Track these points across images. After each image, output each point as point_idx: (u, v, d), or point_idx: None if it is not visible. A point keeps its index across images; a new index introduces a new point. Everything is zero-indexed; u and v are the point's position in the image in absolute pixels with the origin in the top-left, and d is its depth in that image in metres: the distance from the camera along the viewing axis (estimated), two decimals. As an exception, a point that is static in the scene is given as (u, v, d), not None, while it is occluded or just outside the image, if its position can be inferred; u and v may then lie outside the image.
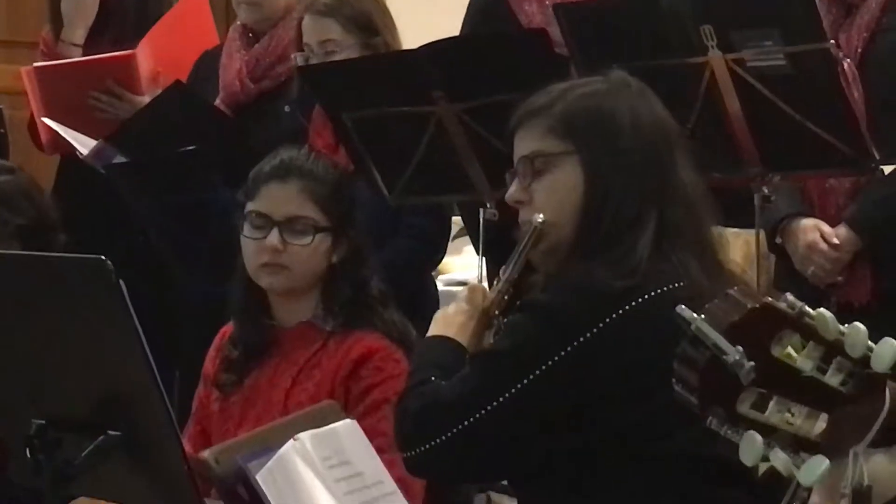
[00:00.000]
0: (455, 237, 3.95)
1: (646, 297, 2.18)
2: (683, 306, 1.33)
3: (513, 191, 2.35)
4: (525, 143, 2.34)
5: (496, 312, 2.38)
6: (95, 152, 3.52)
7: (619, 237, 2.25)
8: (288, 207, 2.80)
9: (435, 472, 2.37)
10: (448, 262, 4.05)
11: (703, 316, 1.31)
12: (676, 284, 2.20)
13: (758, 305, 1.31)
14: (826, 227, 3.10)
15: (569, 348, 2.20)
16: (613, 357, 2.18)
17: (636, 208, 2.26)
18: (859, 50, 3.04)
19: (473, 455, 2.26)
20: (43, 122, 3.71)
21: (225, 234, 2.97)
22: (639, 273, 2.21)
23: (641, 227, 2.25)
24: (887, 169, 2.93)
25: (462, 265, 4.76)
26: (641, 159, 2.28)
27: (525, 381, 2.21)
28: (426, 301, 3.57)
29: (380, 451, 2.55)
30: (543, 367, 2.21)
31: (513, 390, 2.22)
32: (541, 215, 2.28)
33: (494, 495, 4.85)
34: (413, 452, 2.23)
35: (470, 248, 4.63)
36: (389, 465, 2.57)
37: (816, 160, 2.94)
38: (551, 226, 2.30)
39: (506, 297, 2.37)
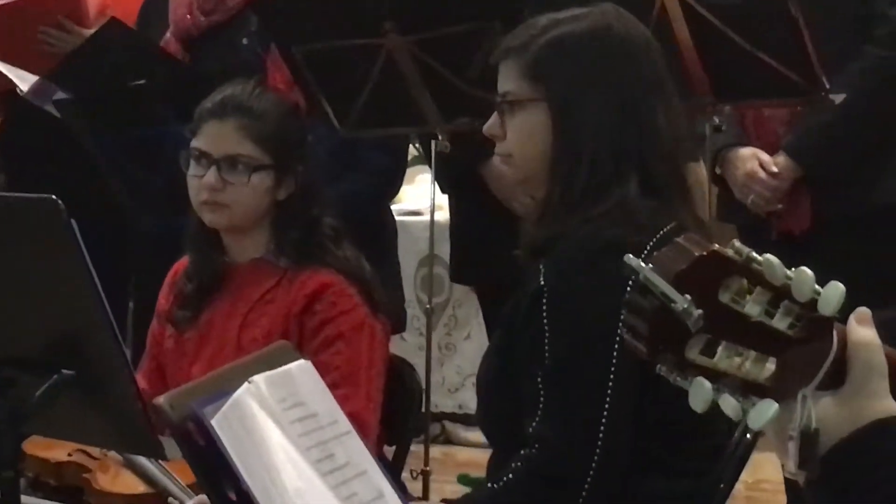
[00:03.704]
0: (409, 165, 3.94)
1: (652, 242, 2.16)
2: (630, 255, 1.33)
3: (489, 124, 2.34)
4: (502, 81, 2.32)
5: None
6: (35, 89, 3.49)
7: (603, 186, 2.23)
8: (226, 145, 2.77)
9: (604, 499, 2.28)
10: (402, 191, 4.04)
11: (650, 265, 1.30)
12: (669, 226, 2.20)
13: (705, 253, 1.30)
14: (765, 156, 3.12)
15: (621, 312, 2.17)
16: None
17: (613, 161, 2.24)
18: None
19: (618, 464, 2.21)
20: None
21: (177, 168, 2.93)
22: (641, 221, 2.20)
23: (624, 177, 2.23)
24: (838, 99, 2.92)
25: (416, 194, 4.76)
26: (616, 112, 2.26)
27: (613, 368, 2.19)
28: (384, 232, 3.60)
29: (334, 386, 2.55)
30: (615, 343, 2.17)
31: (610, 387, 2.19)
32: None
33: (449, 424, 4.90)
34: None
35: (424, 178, 4.64)
36: (343, 399, 2.57)
37: (767, 89, 2.94)
38: (518, 161, 2.31)
39: None
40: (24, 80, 3.52)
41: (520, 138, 2.31)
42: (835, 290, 1.30)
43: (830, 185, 3.10)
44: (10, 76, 3.55)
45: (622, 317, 1.34)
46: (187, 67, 3.49)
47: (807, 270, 1.30)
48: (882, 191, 3.12)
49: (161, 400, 1.54)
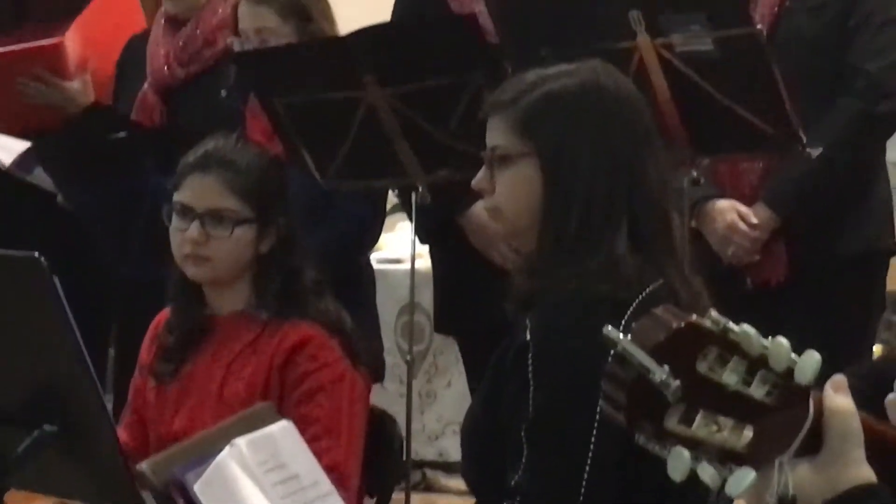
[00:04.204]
0: (389, 214, 3.96)
1: (638, 300, 2.16)
2: (610, 326, 1.34)
3: (478, 178, 2.34)
4: (491, 135, 2.33)
5: None
6: (18, 162, 3.52)
7: (593, 241, 2.24)
8: (208, 199, 2.78)
9: None
10: (382, 239, 4.05)
11: (629, 336, 1.31)
12: (656, 284, 2.20)
13: (683, 325, 1.31)
14: (743, 208, 3.14)
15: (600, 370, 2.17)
16: None
17: (603, 214, 2.25)
18: (765, 32, 3.03)
19: None
20: None
21: (156, 219, 2.94)
22: (629, 278, 2.20)
23: (613, 231, 2.24)
24: (815, 152, 2.95)
25: (395, 243, 4.78)
26: (607, 166, 2.27)
27: (596, 424, 2.18)
28: (362, 281, 3.61)
29: (315, 438, 2.57)
30: (594, 402, 2.18)
31: (592, 444, 2.19)
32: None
33: (430, 472, 4.90)
34: None
35: (403, 225, 4.66)
36: (325, 451, 2.59)
37: (745, 142, 2.96)
38: (507, 215, 2.31)
39: None
40: (4, 151, 3.54)
41: (509, 192, 2.31)
42: (811, 359, 1.31)
43: (806, 234, 3.13)
44: None
45: (601, 387, 1.35)
46: (165, 128, 3.50)
47: (783, 341, 1.31)
48: (854, 239, 3.16)
49: (143, 466, 1.55)
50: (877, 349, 4.18)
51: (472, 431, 2.39)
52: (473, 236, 3.22)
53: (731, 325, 1.31)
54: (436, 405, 4.81)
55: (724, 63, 2.84)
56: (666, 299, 1.43)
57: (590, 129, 2.28)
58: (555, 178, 2.27)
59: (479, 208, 3.01)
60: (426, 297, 3.77)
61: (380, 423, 2.95)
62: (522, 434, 2.22)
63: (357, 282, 3.50)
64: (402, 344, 4.47)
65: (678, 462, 1.31)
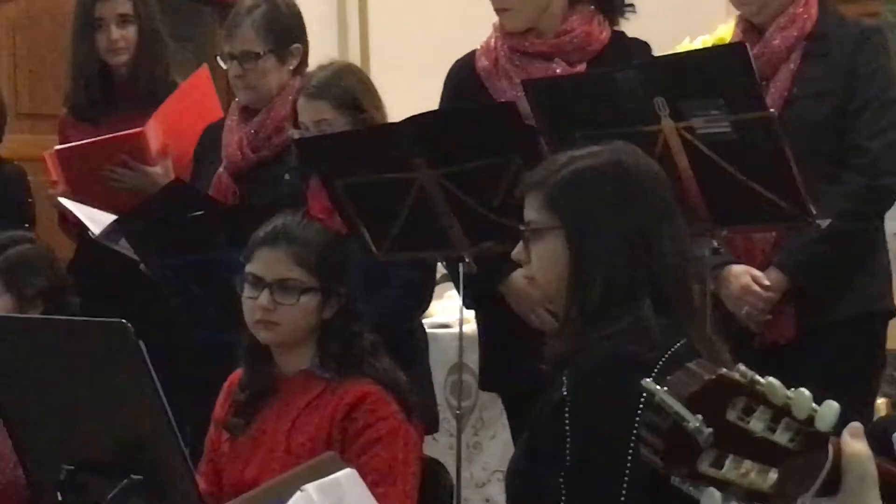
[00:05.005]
0: (438, 283, 3.97)
1: (664, 358, 2.17)
2: (648, 379, 1.35)
3: (516, 250, 2.38)
4: (526, 210, 2.35)
5: None
6: (105, 234, 3.54)
7: (617, 308, 2.24)
8: (277, 270, 2.82)
9: None
10: (433, 306, 4.06)
11: (665, 388, 1.32)
12: (680, 343, 2.21)
13: (714, 377, 1.33)
14: (756, 272, 3.11)
15: (636, 421, 2.12)
16: None
17: (625, 283, 2.25)
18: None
19: None
20: (59, 202, 3.73)
21: (228, 289, 2.98)
22: (654, 338, 2.21)
23: (636, 298, 2.24)
24: (823, 223, 2.93)
25: (444, 309, 4.77)
26: (627, 239, 2.27)
27: (627, 472, 2.19)
28: (416, 343, 3.59)
29: (374, 485, 2.58)
30: (630, 448, 2.17)
31: (624, 488, 2.19)
32: None
33: None
34: None
35: (452, 293, 4.64)
36: (383, 497, 2.59)
37: (760, 216, 2.93)
38: (541, 283, 2.35)
39: None
40: (94, 223, 3.57)
41: (541, 263, 2.32)
42: (830, 409, 1.32)
43: (813, 298, 3.10)
44: (82, 218, 3.60)
45: (639, 433, 1.35)
46: (236, 207, 3.52)
47: (806, 392, 1.32)
48: (857, 301, 3.13)
49: None
50: (880, 402, 4.15)
51: (516, 478, 2.38)
52: (514, 302, 3.22)
53: (758, 377, 1.32)
54: (482, 455, 4.78)
55: (740, 143, 2.82)
56: (688, 357, 1.44)
57: (611, 205, 2.28)
58: (579, 251, 2.28)
59: (517, 277, 3.01)
60: (473, 358, 3.75)
61: (433, 472, 2.96)
62: (561, 481, 2.21)
63: (411, 344, 3.48)
64: (452, 400, 4.45)
65: (710, 502, 1.31)
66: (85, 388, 2.32)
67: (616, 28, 3.38)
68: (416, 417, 2.87)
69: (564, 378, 2.25)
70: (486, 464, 4.83)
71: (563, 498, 2.22)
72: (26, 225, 3.69)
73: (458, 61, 3.45)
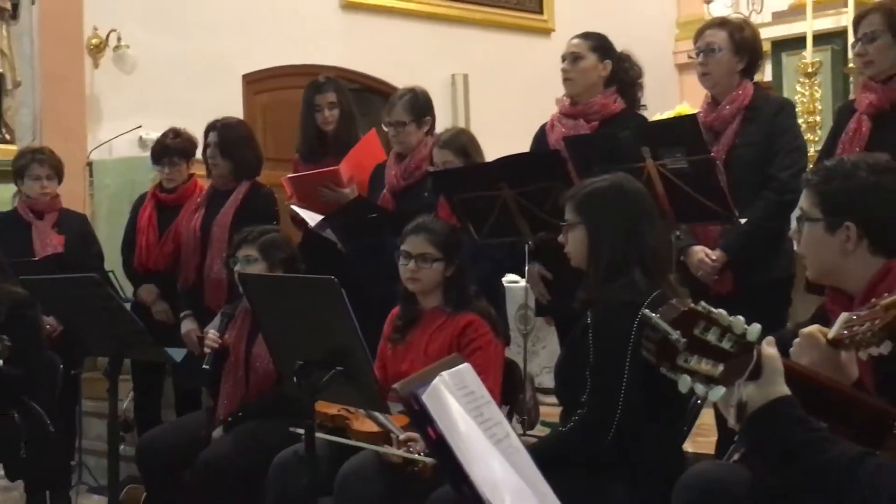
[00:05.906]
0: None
1: (648, 300, 2.15)
2: (646, 309, 1.37)
3: (560, 237, 2.38)
4: (566, 213, 2.36)
5: None
6: (318, 226, 3.58)
7: (620, 270, 2.23)
8: (419, 248, 2.84)
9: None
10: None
11: (657, 314, 1.31)
12: (657, 292, 2.19)
13: (687, 309, 1.33)
14: (708, 250, 3.06)
15: (632, 335, 2.15)
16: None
17: (622, 255, 2.24)
18: (724, 157, 3.00)
19: (632, 417, 2.16)
20: (292, 209, 3.78)
21: (391, 260, 2.99)
22: (642, 289, 2.20)
23: (630, 265, 2.23)
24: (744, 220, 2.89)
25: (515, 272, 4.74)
26: (624, 229, 2.27)
27: (626, 367, 2.17)
28: (500, 292, 3.56)
29: (478, 374, 2.54)
30: (629, 352, 2.16)
31: (625, 378, 2.16)
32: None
33: (537, 394, 4.82)
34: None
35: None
36: (484, 381, 2.50)
37: (704, 216, 2.90)
38: (573, 256, 2.33)
39: None
40: (312, 219, 3.61)
41: (574, 244, 2.34)
42: (755, 328, 1.33)
43: (744, 266, 3.03)
44: (305, 217, 3.66)
45: (639, 342, 1.35)
46: (395, 212, 3.52)
47: (741, 318, 1.33)
48: (769, 269, 3.04)
49: (396, 386, 1.55)
50: (788, 326, 4.00)
51: (561, 372, 2.40)
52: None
53: (713, 309, 1.33)
54: (538, 358, 4.76)
55: (693, 174, 2.81)
56: (662, 302, 1.43)
57: (613, 211, 2.28)
58: (593, 238, 2.29)
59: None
60: (531, 300, 3.75)
61: (510, 367, 2.96)
62: (587, 373, 2.22)
63: (497, 292, 3.48)
64: (519, 325, 4.46)
65: (684, 383, 1.32)
66: (309, 317, 2.34)
67: (629, 103, 3.29)
68: (501, 335, 2.86)
69: (588, 313, 2.27)
70: (540, 363, 4.81)
71: (587, 386, 2.20)
72: (274, 222, 3.72)
73: (542, 126, 3.41)
